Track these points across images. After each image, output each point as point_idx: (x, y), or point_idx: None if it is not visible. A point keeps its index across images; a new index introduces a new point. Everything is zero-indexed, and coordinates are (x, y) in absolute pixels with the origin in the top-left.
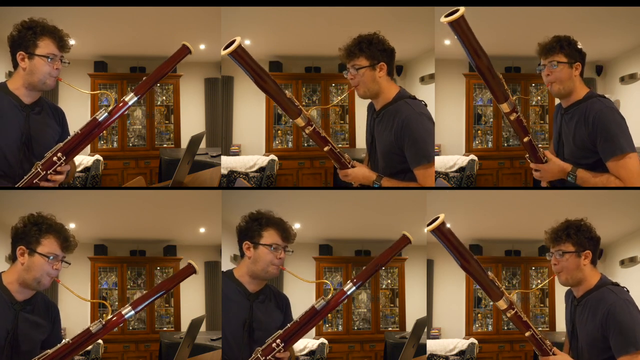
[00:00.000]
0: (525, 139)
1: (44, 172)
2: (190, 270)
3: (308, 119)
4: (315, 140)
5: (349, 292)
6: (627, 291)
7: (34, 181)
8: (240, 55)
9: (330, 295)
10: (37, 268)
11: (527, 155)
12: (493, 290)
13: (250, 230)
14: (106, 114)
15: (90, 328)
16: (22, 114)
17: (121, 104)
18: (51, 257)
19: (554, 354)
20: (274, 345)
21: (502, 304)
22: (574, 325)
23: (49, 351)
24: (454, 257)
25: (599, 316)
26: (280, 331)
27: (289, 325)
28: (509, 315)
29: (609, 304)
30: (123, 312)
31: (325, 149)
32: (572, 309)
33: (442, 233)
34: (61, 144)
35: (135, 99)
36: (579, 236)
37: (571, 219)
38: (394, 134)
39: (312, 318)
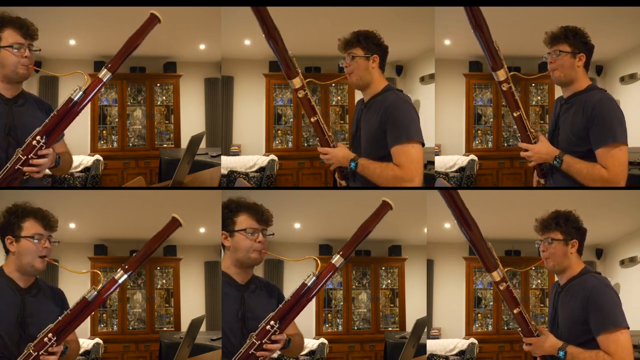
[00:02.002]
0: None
1: (25, 157)
2: (176, 224)
3: (303, 83)
4: (305, 107)
5: (338, 265)
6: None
7: (16, 167)
8: (260, 10)
9: (319, 269)
10: (26, 251)
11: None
12: (489, 259)
13: (223, 219)
14: (81, 92)
15: (86, 296)
16: (4, 107)
17: (96, 81)
18: (36, 238)
19: (538, 335)
20: (268, 327)
21: (496, 275)
22: (556, 311)
23: (51, 325)
24: (457, 220)
25: (580, 299)
26: (273, 313)
27: (281, 305)
28: (501, 288)
29: (590, 288)
30: (116, 277)
31: (313, 119)
32: (555, 297)
33: None
34: (39, 128)
35: (109, 75)
36: (567, 225)
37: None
38: (380, 117)
39: (303, 294)
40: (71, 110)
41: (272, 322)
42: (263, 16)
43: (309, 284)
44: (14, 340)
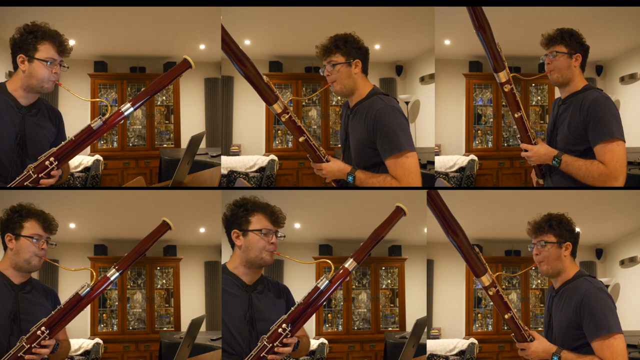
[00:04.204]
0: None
1: (36, 175)
2: (165, 228)
3: (285, 106)
4: (291, 129)
5: (351, 269)
6: (606, 285)
7: (25, 183)
8: (221, 35)
9: (332, 273)
10: (25, 250)
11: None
12: (477, 264)
13: (237, 217)
14: (101, 122)
15: (79, 292)
16: (18, 115)
17: (116, 114)
18: (35, 239)
19: (531, 340)
20: (280, 330)
21: (485, 280)
22: (550, 315)
23: (44, 319)
24: (441, 226)
25: (574, 303)
26: (285, 315)
27: (293, 308)
28: (490, 293)
29: (583, 292)
30: (108, 275)
31: (301, 139)
32: (549, 301)
33: None
34: (54, 149)
35: (132, 109)
36: (560, 228)
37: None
38: (367, 127)
39: (316, 298)
40: (88, 138)
41: (284, 325)
42: (226, 41)
43: (321, 288)
44: (5, 334)
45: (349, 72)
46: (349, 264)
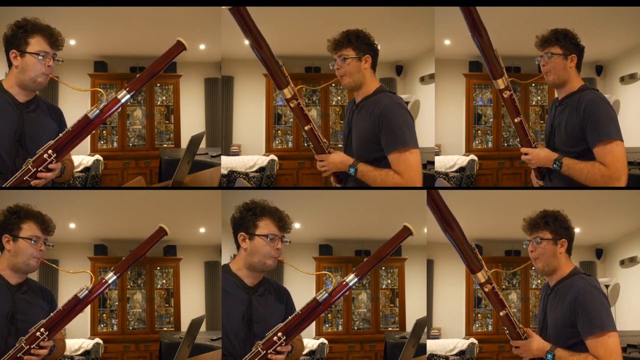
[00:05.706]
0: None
1: (35, 169)
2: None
3: (294, 92)
4: (298, 116)
5: (350, 284)
6: (606, 286)
7: (25, 178)
8: (241, 13)
9: (332, 287)
10: (23, 251)
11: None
12: (473, 261)
13: (245, 220)
14: (98, 111)
15: (78, 294)
16: (15, 112)
17: (113, 102)
18: (33, 240)
19: (526, 338)
20: (275, 338)
21: (480, 277)
22: (545, 313)
23: (43, 321)
24: (438, 222)
25: (568, 301)
26: (282, 324)
27: (290, 317)
28: (486, 290)
29: (577, 289)
30: (106, 278)
31: (306, 127)
32: (544, 299)
33: None
34: (52, 142)
35: (128, 96)
36: (556, 224)
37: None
38: (372, 122)
39: (314, 310)
40: (86, 127)
41: (279, 334)
42: (246, 21)
43: (320, 300)
44: (2, 335)
45: (358, 66)
46: (350, 278)
